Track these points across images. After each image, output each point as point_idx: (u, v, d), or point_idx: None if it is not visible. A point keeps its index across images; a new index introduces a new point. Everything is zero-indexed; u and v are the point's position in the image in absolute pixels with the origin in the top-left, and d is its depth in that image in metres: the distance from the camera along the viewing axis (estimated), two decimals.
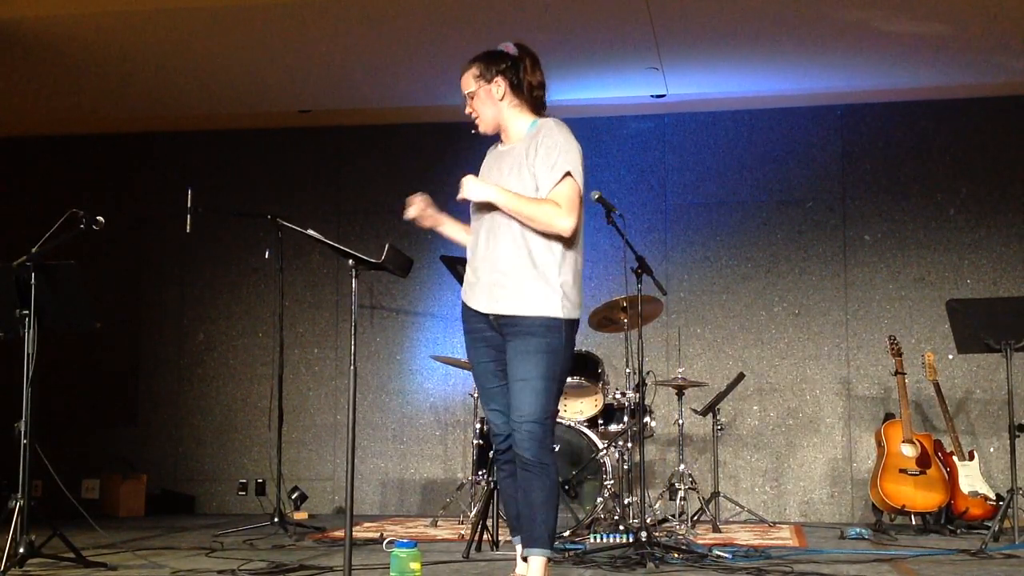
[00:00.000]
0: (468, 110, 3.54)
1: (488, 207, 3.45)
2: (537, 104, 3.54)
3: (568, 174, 3.36)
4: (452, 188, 3.50)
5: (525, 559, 3.42)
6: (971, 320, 5.02)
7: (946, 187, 6.91)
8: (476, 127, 3.55)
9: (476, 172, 3.63)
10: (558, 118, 3.50)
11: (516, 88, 3.50)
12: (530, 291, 3.38)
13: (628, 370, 5.40)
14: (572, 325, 3.45)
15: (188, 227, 5.73)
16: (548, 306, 3.38)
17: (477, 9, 5.59)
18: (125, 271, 7.60)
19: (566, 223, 3.35)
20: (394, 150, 7.45)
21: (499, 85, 3.49)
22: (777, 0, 5.50)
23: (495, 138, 3.65)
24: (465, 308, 3.56)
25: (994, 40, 5.96)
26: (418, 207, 3.57)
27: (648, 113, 7.20)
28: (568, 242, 3.41)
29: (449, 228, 3.67)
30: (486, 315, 3.47)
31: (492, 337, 3.49)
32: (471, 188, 3.44)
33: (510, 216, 3.40)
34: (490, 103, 3.50)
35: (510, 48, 3.54)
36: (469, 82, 3.52)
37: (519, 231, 3.40)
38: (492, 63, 3.50)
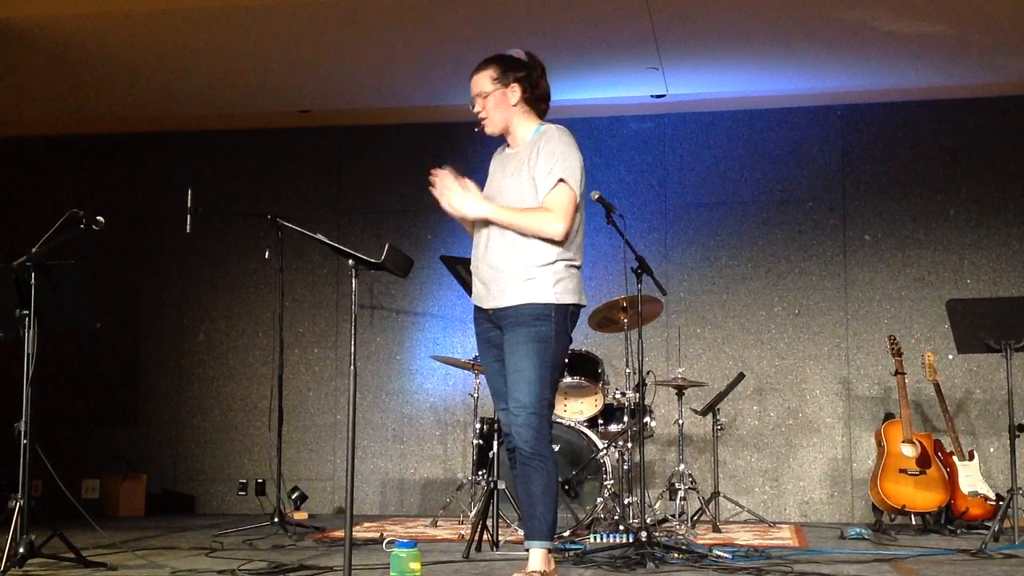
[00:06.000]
0: (478, 109, 3.54)
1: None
2: (542, 112, 3.60)
3: (562, 181, 3.41)
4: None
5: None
6: (971, 320, 5.02)
7: (946, 187, 6.91)
8: (482, 127, 3.56)
9: (476, 171, 3.68)
10: (561, 125, 3.54)
11: (528, 95, 3.54)
12: (522, 283, 3.46)
13: (628, 370, 5.40)
14: (564, 310, 3.47)
15: (188, 227, 5.72)
16: (539, 294, 3.44)
17: (477, 9, 5.59)
18: (125, 271, 7.59)
19: (556, 228, 3.40)
20: (394, 150, 7.44)
21: (515, 91, 3.52)
22: (776, 0, 5.50)
23: (501, 140, 3.67)
24: (475, 312, 3.67)
25: (994, 40, 5.96)
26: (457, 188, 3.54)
27: (648, 113, 7.19)
28: (563, 244, 3.47)
29: None
30: (488, 313, 3.57)
31: (495, 336, 3.58)
32: (467, 205, 3.47)
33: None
34: (504, 106, 3.51)
35: (521, 55, 3.57)
36: (485, 83, 3.52)
37: (514, 234, 3.47)
38: (510, 68, 3.52)
